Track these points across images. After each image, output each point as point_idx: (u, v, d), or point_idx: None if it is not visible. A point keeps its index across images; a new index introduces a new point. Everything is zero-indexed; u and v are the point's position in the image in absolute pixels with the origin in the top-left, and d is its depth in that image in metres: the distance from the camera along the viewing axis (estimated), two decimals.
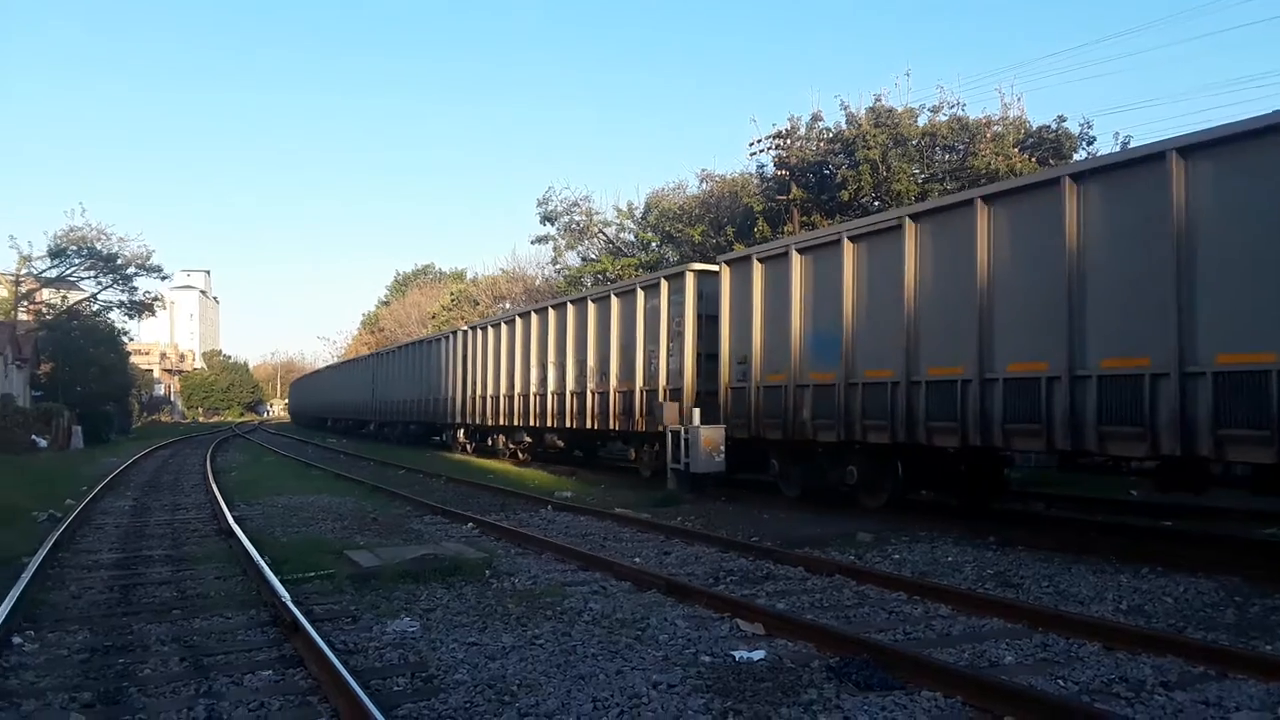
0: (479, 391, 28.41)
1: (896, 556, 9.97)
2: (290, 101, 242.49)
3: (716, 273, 16.67)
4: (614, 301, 20.21)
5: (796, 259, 14.38)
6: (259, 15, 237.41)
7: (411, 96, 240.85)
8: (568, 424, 22.11)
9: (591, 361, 21.00)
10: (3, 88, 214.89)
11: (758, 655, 6.06)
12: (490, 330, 27.96)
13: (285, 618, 6.76)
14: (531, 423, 24.34)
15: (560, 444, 23.90)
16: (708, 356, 16.90)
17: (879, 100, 28.77)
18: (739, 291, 15.88)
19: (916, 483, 13.44)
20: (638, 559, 9.88)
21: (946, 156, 28.29)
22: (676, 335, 17.75)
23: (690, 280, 17.55)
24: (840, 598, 7.99)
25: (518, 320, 25.74)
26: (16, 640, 6.48)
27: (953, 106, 28.44)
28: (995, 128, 27.21)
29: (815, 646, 6.24)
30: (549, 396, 23.19)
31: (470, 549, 10.22)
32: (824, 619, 7.08)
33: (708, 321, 16.98)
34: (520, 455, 25.89)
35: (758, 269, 15.35)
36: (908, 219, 12.43)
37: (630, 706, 5.10)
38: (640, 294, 19.06)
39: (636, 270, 35.29)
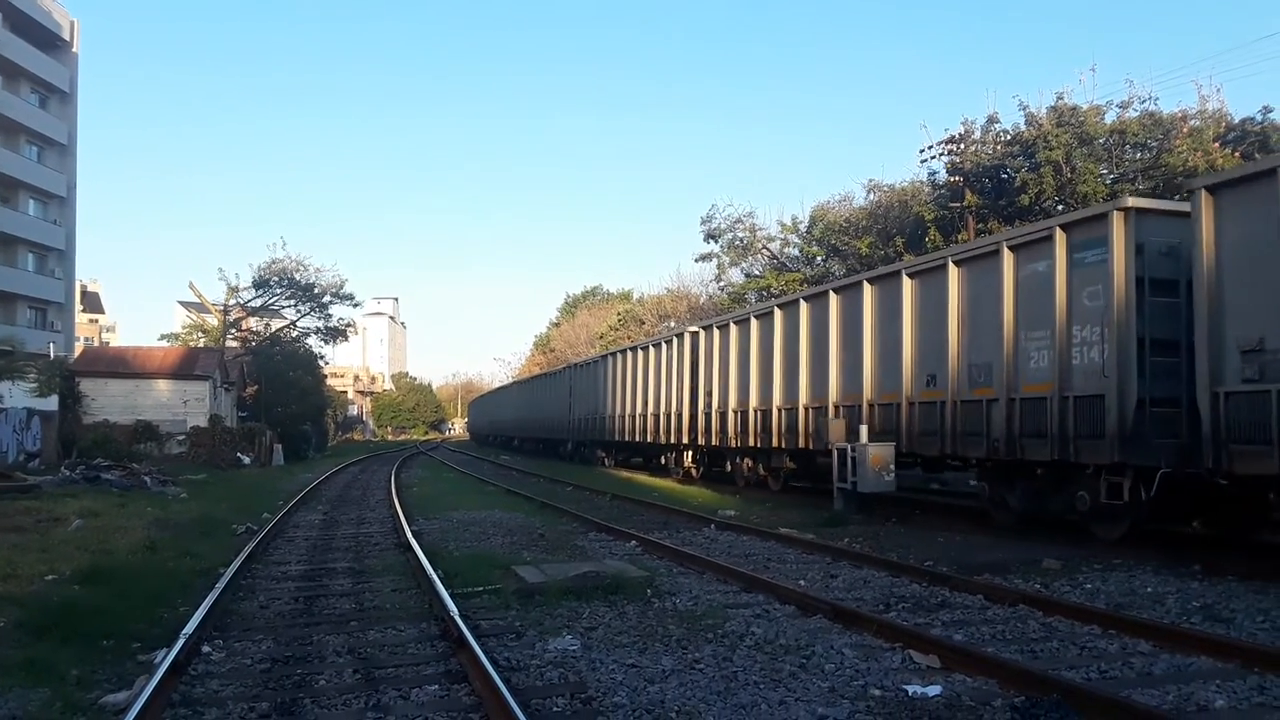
0: (582, 411, 36.06)
1: (1089, 586, 9.21)
2: (465, 129, 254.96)
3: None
4: (662, 348, 26.98)
5: (754, 322, 20.61)
6: (432, 44, 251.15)
7: (577, 116, 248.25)
8: (635, 439, 29.36)
9: (650, 391, 27.80)
10: (213, 127, 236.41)
11: (933, 691, 5.66)
12: (597, 364, 35.06)
13: (453, 632, 6.89)
14: (618, 438, 31.38)
15: (638, 455, 31.09)
16: (703, 391, 23.49)
17: (1061, 99, 27.17)
18: (721, 344, 22.28)
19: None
20: (802, 582, 9.56)
21: (1138, 155, 26.33)
22: (679, 376, 25.21)
23: (688, 339, 24.94)
24: (1025, 630, 7.41)
25: (617, 356, 32.36)
26: (205, 649, 6.86)
27: (1144, 102, 26.53)
28: (1192, 122, 25.13)
29: (998, 684, 5.79)
30: (629, 417, 30.01)
31: (633, 567, 10.17)
32: (1007, 653, 6.57)
33: (701, 366, 23.70)
34: (607, 461, 33.15)
35: (733, 329, 21.65)
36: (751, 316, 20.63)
37: None
38: (665, 346, 26.65)
39: (800, 285, 34.74)
